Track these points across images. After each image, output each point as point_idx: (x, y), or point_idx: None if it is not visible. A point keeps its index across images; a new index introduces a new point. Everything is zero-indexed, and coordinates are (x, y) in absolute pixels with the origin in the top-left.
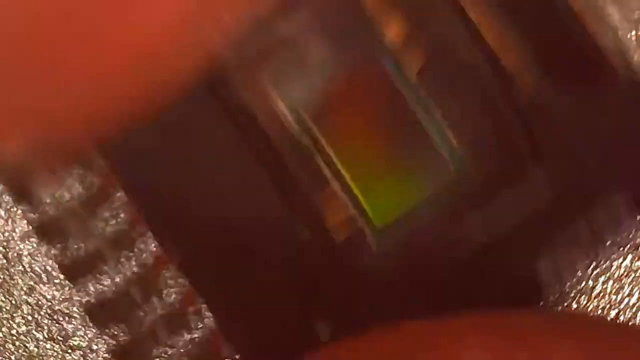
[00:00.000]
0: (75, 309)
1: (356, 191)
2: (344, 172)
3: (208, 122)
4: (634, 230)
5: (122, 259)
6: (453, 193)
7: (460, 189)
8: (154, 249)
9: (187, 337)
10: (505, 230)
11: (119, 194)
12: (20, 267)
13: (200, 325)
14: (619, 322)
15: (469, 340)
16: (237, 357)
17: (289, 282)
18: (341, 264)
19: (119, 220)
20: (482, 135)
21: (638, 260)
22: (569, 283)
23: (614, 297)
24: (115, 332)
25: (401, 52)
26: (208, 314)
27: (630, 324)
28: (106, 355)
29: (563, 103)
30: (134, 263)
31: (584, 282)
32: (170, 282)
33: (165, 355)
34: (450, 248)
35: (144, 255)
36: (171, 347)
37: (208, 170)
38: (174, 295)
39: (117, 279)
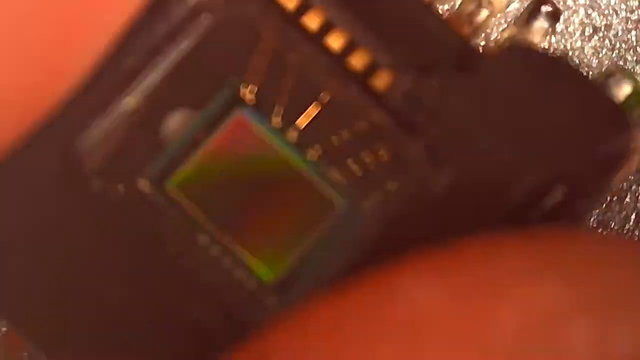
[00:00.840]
0: None
1: (238, 252)
2: (219, 235)
3: (64, 214)
4: None
5: None
6: (343, 226)
7: (350, 221)
8: None
9: None
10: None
11: None
12: None
13: None
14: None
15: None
16: None
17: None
18: (239, 333)
19: None
20: (368, 158)
21: None
22: None
23: None
24: None
25: (260, 101)
26: None
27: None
28: None
29: (441, 94)
30: None
31: None
32: None
33: None
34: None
35: None
36: None
37: (78, 266)
38: None
39: None
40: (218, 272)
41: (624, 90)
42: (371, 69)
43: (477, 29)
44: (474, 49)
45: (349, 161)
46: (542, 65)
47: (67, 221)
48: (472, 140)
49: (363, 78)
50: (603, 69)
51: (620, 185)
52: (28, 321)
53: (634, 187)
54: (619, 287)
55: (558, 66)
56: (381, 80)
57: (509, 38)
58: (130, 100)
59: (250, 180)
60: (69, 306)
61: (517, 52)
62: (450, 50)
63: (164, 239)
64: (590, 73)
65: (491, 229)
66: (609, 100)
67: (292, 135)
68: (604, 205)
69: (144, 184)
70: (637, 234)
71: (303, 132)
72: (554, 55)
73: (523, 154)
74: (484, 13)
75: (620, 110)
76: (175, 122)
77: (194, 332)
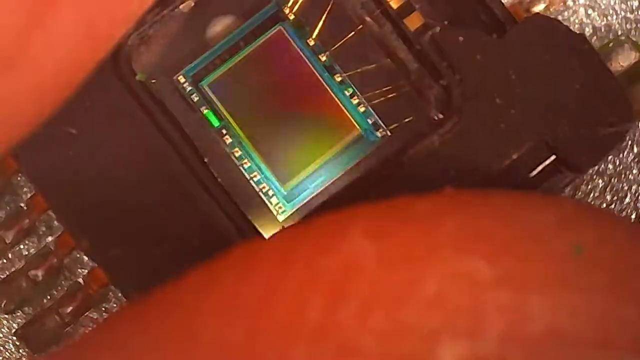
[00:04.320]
0: None
1: (259, 157)
2: (245, 138)
3: (111, 101)
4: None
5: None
6: (356, 150)
7: (363, 146)
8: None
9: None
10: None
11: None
12: None
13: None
14: (512, 193)
15: (351, 222)
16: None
17: (200, 253)
18: (249, 230)
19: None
20: (388, 92)
21: None
22: None
23: None
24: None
25: (300, 20)
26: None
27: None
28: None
29: (464, 48)
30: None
31: None
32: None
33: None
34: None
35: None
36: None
37: (113, 148)
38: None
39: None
40: (237, 174)
41: (629, 58)
42: (406, 10)
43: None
44: (509, 17)
45: (372, 91)
46: (562, 39)
47: (112, 107)
48: (485, 96)
49: (397, 17)
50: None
51: (621, 185)
52: (56, 193)
53: (634, 187)
54: (541, 262)
55: (576, 43)
56: (413, 22)
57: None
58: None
59: (279, 91)
60: (95, 184)
61: (541, 24)
62: (485, 13)
63: (193, 134)
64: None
65: (479, 185)
66: (618, 87)
67: (324, 57)
68: (604, 205)
69: (182, 80)
70: (612, 212)
71: (334, 56)
72: (575, 32)
73: (528, 119)
74: (540, 6)
75: (626, 100)
76: (220, 26)
77: (209, 228)
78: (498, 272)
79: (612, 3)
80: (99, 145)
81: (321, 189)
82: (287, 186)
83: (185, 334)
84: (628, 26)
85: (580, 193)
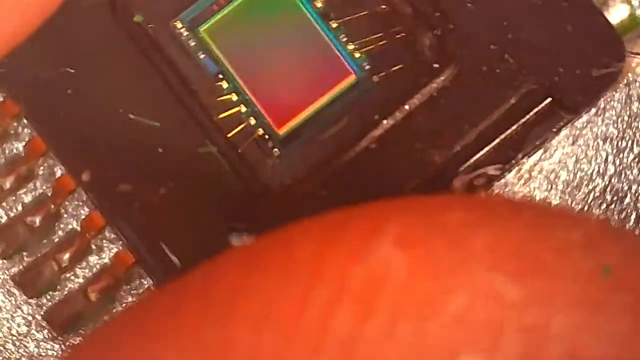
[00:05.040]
0: None
1: (256, 101)
2: (241, 83)
3: (107, 39)
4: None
5: None
6: (351, 95)
7: (359, 91)
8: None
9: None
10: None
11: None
12: None
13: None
14: (542, 204)
15: (382, 229)
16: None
17: (195, 194)
18: (246, 173)
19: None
20: (384, 38)
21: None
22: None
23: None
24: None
25: None
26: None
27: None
28: None
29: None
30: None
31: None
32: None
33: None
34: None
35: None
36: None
37: (112, 87)
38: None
39: None
40: (234, 117)
41: (620, 13)
42: None
43: None
44: None
45: (367, 37)
46: None
47: (110, 48)
48: (480, 44)
49: None
50: None
51: (621, 185)
52: (56, 132)
53: (634, 187)
54: (567, 281)
55: None
56: None
57: None
58: None
59: (276, 37)
60: (95, 124)
61: None
62: None
63: (190, 79)
64: None
65: (482, 130)
66: (610, 28)
67: (320, 3)
68: (604, 205)
69: (179, 26)
70: (637, 234)
71: (330, 3)
72: None
73: (523, 63)
74: None
75: (619, 40)
76: None
77: (207, 167)
78: (525, 292)
79: None
80: (98, 85)
81: (316, 133)
82: (283, 130)
83: (220, 340)
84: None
85: (580, 193)
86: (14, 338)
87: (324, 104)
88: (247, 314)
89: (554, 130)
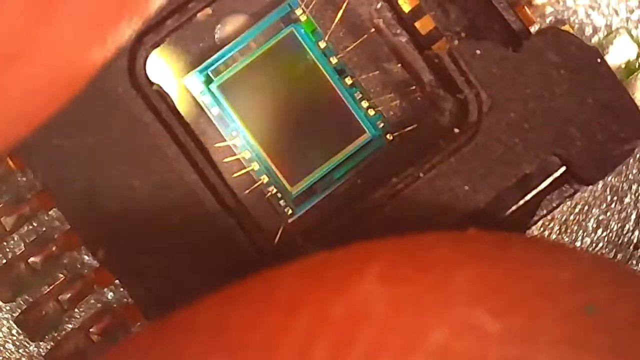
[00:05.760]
0: None
1: (269, 160)
2: (254, 140)
3: (126, 110)
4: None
5: None
6: (364, 154)
7: (379, 154)
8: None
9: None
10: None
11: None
12: None
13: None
14: (529, 237)
15: (365, 266)
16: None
17: (206, 258)
18: (258, 237)
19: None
20: (399, 98)
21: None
22: None
23: None
24: None
25: (312, 23)
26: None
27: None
28: None
29: (481, 62)
30: None
31: None
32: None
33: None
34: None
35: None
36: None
37: (129, 157)
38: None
39: None
40: (247, 176)
41: (628, 51)
42: (417, 15)
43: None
44: (525, 30)
45: (382, 96)
46: (576, 53)
47: (127, 115)
48: (501, 110)
49: (409, 21)
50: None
51: (620, 185)
52: (73, 203)
53: (634, 187)
54: (551, 320)
55: (591, 56)
56: (424, 26)
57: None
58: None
59: (290, 93)
60: (110, 194)
61: (555, 37)
62: (502, 25)
63: (203, 134)
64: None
65: (491, 198)
66: (631, 102)
67: (336, 60)
68: (604, 205)
69: (193, 81)
70: (637, 234)
71: (346, 60)
72: (589, 46)
73: (542, 133)
74: None
75: (638, 116)
76: (231, 26)
77: (220, 234)
78: (506, 327)
79: (612, 3)
80: (115, 154)
81: (329, 192)
82: (296, 189)
83: None
84: (628, 26)
85: (580, 193)
86: (14, 338)
87: (337, 161)
88: (226, 344)
89: (565, 197)
